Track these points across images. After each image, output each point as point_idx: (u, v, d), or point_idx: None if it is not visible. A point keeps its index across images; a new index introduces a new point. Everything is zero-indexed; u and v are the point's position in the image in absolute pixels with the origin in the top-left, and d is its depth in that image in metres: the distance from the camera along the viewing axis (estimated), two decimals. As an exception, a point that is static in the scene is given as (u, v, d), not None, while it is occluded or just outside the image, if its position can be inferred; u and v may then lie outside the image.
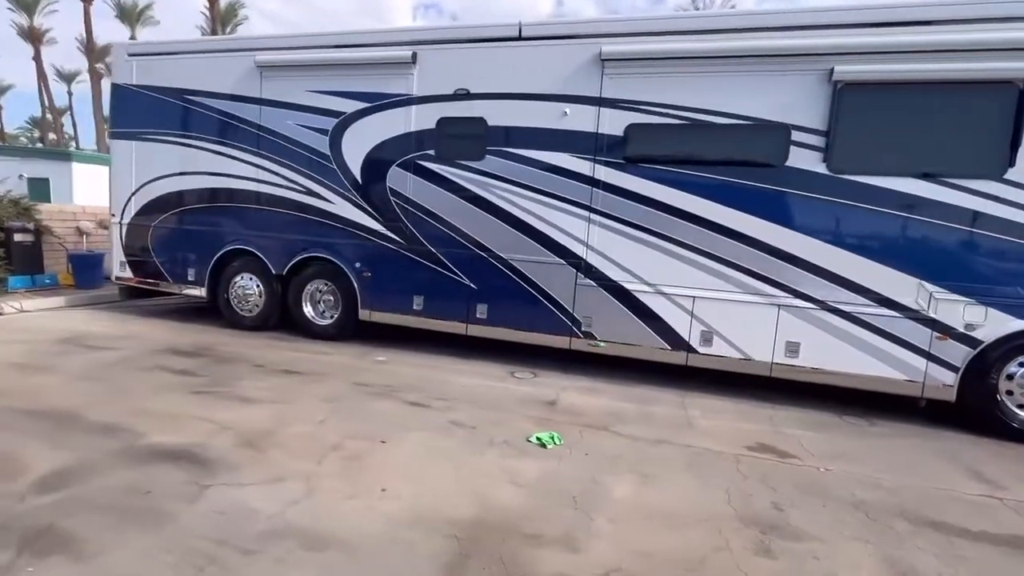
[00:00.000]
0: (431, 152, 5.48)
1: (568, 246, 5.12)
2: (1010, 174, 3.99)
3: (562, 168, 5.08)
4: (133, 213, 6.78)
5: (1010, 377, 4.16)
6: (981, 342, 4.13)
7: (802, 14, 4.41)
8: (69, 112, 46.55)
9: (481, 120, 5.28)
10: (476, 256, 5.41)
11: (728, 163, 4.64)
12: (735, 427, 4.12)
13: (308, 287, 6.16)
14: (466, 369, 5.26)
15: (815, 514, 2.86)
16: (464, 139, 5.38)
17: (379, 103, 5.62)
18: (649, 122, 4.79)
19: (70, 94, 47.70)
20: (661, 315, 4.91)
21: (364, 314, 5.90)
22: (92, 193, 13.26)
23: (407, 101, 5.51)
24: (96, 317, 6.84)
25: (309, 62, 5.80)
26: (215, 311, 6.87)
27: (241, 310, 6.44)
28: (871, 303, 4.38)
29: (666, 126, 4.76)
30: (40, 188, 13.52)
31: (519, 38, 5.12)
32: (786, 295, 4.57)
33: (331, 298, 6.16)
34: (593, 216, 5.03)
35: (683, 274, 4.81)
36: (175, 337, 5.90)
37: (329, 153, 5.84)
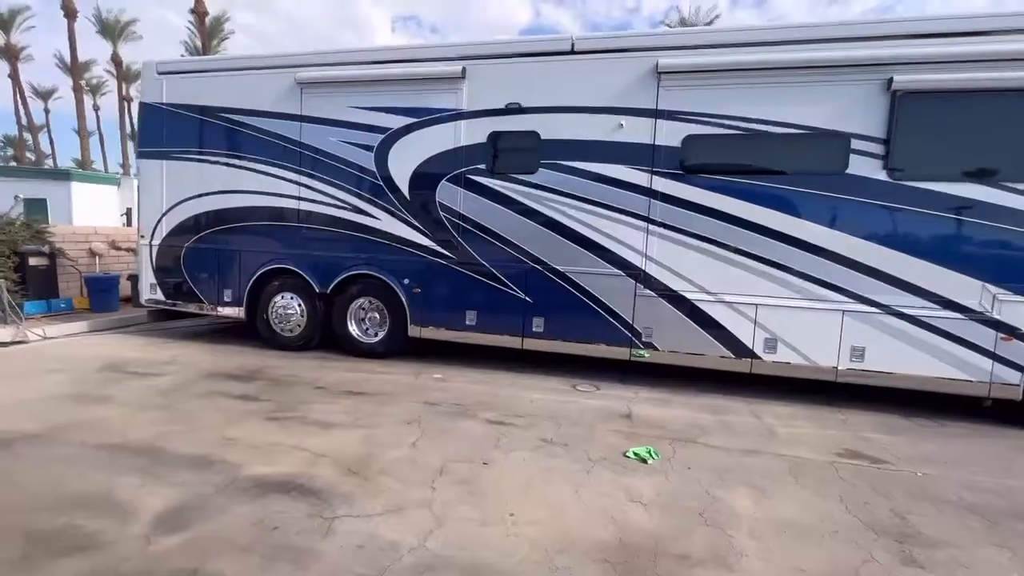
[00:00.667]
0: (482, 166, 5.46)
1: (626, 257, 5.13)
2: (1069, 178, 4.13)
3: (618, 180, 5.10)
4: (164, 234, 6.62)
5: (1075, 375, 4.27)
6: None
7: (860, 26, 4.52)
8: (46, 129, 45.46)
9: (534, 133, 5.28)
10: (531, 269, 5.39)
11: (788, 172, 4.71)
12: (815, 433, 4.14)
13: (353, 305, 6.06)
14: (527, 383, 5.21)
15: (936, 520, 2.88)
16: (517, 152, 5.38)
17: (427, 118, 5.59)
18: (708, 133, 4.85)
19: (47, 111, 46.70)
20: (724, 324, 4.94)
21: (414, 331, 5.82)
22: (92, 213, 12.93)
23: (456, 116, 5.49)
24: (127, 342, 6.62)
25: (353, 78, 5.75)
26: (247, 331, 6.74)
27: (282, 330, 6.31)
28: (935, 306, 4.46)
29: (725, 136, 4.82)
30: (37, 209, 13.12)
31: (571, 52, 5.15)
32: (850, 300, 4.64)
33: (376, 315, 6.07)
34: (651, 227, 5.05)
35: (745, 282, 4.85)
36: (218, 360, 5.74)
37: (375, 169, 5.78)
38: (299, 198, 6.08)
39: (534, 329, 5.44)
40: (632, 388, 5.15)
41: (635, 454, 3.55)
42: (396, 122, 5.69)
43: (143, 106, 6.69)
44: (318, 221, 6.04)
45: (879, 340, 4.60)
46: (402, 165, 5.70)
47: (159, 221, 6.65)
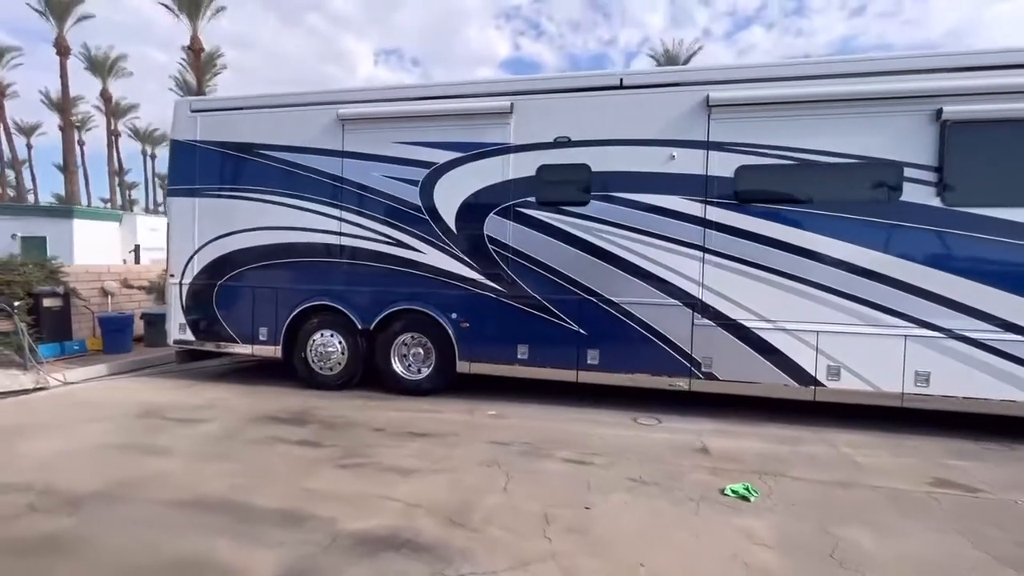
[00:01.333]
0: (531, 198, 5.46)
1: (682, 287, 5.12)
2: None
3: (672, 210, 5.13)
4: (195, 272, 6.44)
5: None
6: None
7: (909, 59, 4.69)
8: (28, 165, 44.79)
9: (585, 166, 5.32)
10: (584, 301, 5.34)
11: (843, 200, 4.79)
12: (895, 462, 4.10)
13: (396, 341, 5.93)
14: (585, 418, 5.10)
15: (1064, 551, 2.83)
16: (567, 185, 5.40)
17: (474, 152, 5.60)
18: (760, 163, 4.93)
19: (29, 147, 46.14)
20: (785, 351, 4.92)
21: (463, 366, 5.69)
22: (94, 251, 12.61)
23: (504, 150, 5.51)
24: (154, 385, 6.36)
25: (398, 114, 5.76)
26: (274, 370, 6.56)
27: (321, 369, 6.12)
28: (997, 328, 4.52)
29: (778, 167, 4.90)
30: (35, 247, 12.77)
31: (620, 87, 5.24)
32: (912, 325, 4.67)
33: (420, 351, 5.93)
34: (707, 256, 5.07)
35: (805, 309, 4.86)
36: (258, 403, 5.52)
37: (420, 203, 5.74)
38: (340, 233, 5.99)
39: (589, 361, 5.36)
40: (693, 420, 5.07)
41: (733, 491, 3.45)
42: (442, 156, 5.69)
43: (175, 144, 6.60)
44: (360, 256, 5.95)
45: (943, 364, 4.62)
46: (448, 199, 5.68)
47: (190, 260, 6.48)
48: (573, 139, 5.34)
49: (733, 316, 5.02)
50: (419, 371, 5.96)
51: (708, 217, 5.05)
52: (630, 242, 5.23)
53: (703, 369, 5.11)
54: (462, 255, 5.66)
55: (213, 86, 32.49)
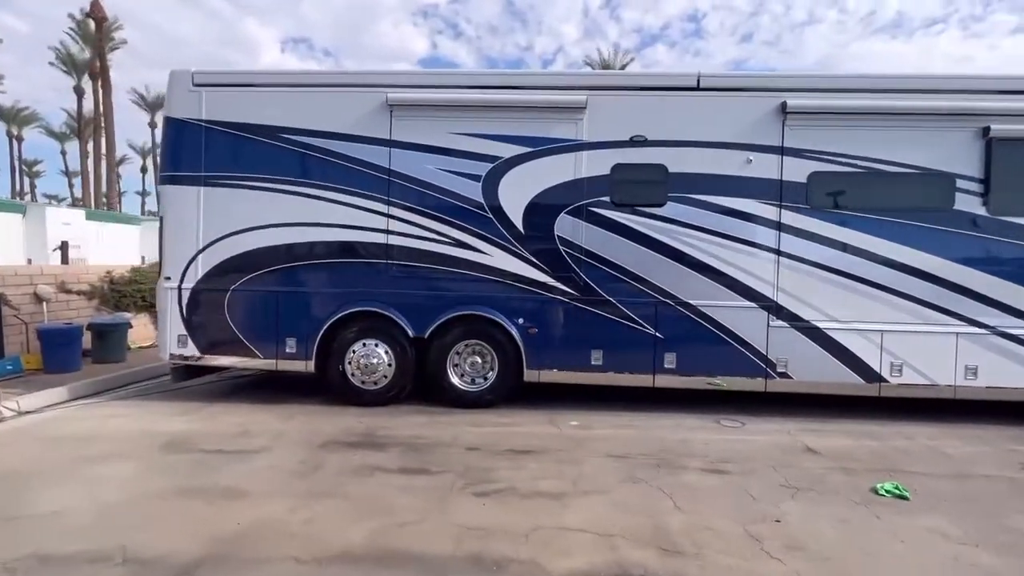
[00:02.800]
0: (605, 198, 5.26)
1: (758, 289, 5.19)
2: None
3: (748, 213, 5.19)
4: (201, 275, 5.47)
5: None
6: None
7: (963, 79, 5.11)
8: None
9: (662, 167, 5.21)
10: (661, 303, 5.24)
11: (903, 208, 5.11)
12: (978, 451, 4.41)
13: (453, 349, 5.43)
14: (671, 423, 4.99)
15: None
16: (643, 185, 5.26)
17: (543, 148, 5.28)
18: (831, 170, 5.12)
19: None
20: (854, 350, 5.15)
21: (531, 375, 5.34)
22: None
23: (576, 146, 5.26)
24: (153, 410, 5.29)
25: (456, 103, 5.28)
26: (290, 385, 5.81)
27: (363, 383, 5.45)
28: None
29: (846, 174, 5.12)
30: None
31: (697, 88, 5.21)
32: (962, 323, 5.08)
33: (478, 360, 5.48)
34: (781, 259, 5.17)
35: (870, 310, 5.12)
36: (310, 426, 4.79)
37: (482, 200, 5.31)
38: (387, 231, 5.38)
39: (666, 366, 5.26)
40: (771, 420, 5.14)
41: (887, 491, 3.50)
42: (507, 151, 5.30)
43: (171, 122, 5.56)
44: (413, 257, 5.38)
45: (989, 358, 5.07)
46: (515, 196, 5.31)
47: (193, 260, 5.49)
48: (650, 139, 5.22)
49: (806, 317, 5.17)
50: (473, 381, 5.51)
51: (783, 221, 5.17)
52: (707, 244, 5.21)
53: (778, 370, 5.20)
54: (531, 256, 5.31)
55: (109, 62, 28.61)
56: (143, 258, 16.01)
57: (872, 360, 5.14)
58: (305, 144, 5.41)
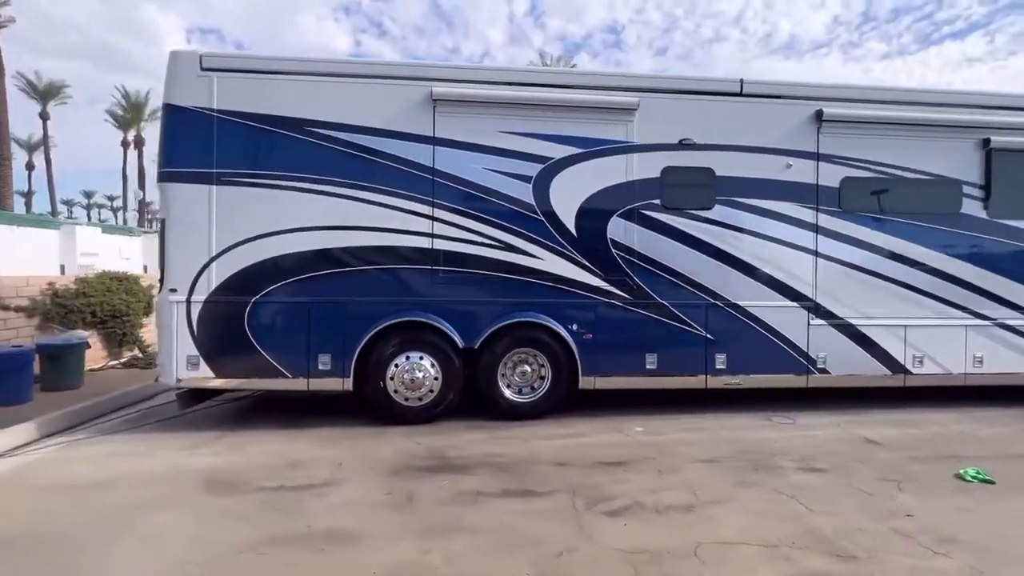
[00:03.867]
0: (656, 201, 5.24)
1: (799, 289, 5.39)
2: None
3: (788, 216, 5.38)
4: (215, 285, 4.80)
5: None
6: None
7: (970, 95, 5.62)
8: None
9: (709, 170, 5.28)
10: (711, 305, 5.30)
11: (922, 211, 5.53)
12: (1001, 432, 4.85)
13: (504, 359, 5.16)
14: (729, 423, 5.06)
15: None
16: (692, 188, 5.29)
17: (593, 149, 5.17)
18: (860, 176, 5.44)
19: None
20: (883, 345, 5.49)
21: (587, 381, 5.19)
22: None
23: (627, 148, 5.19)
24: (161, 444, 4.52)
25: (506, 100, 5.03)
26: (299, 405, 5.27)
27: (406, 399, 5.03)
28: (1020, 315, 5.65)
29: (875, 179, 5.46)
30: None
31: (740, 94, 5.33)
32: (970, 317, 5.59)
33: (527, 369, 5.25)
34: (819, 260, 5.42)
35: (894, 306, 5.49)
36: (368, 451, 4.31)
37: (534, 203, 5.10)
38: (432, 235, 5.01)
39: (718, 366, 5.32)
40: (816, 415, 5.34)
41: (974, 477, 3.72)
42: (558, 151, 5.13)
43: (173, 111, 4.83)
44: (460, 262, 5.04)
45: (991, 347, 5.61)
46: (567, 199, 5.14)
47: (205, 269, 4.80)
48: (697, 142, 5.26)
49: (842, 315, 5.44)
50: (520, 392, 5.27)
51: (819, 223, 5.41)
52: (752, 247, 5.34)
53: (818, 366, 5.43)
54: (584, 260, 5.17)
55: (-4, 42, 24.86)
56: (62, 267, 14.04)
57: (898, 353, 5.51)
58: (338, 139, 4.92)
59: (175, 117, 4.83)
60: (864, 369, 5.49)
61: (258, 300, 4.85)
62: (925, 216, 5.54)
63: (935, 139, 5.51)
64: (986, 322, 5.61)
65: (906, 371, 5.53)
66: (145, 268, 15.60)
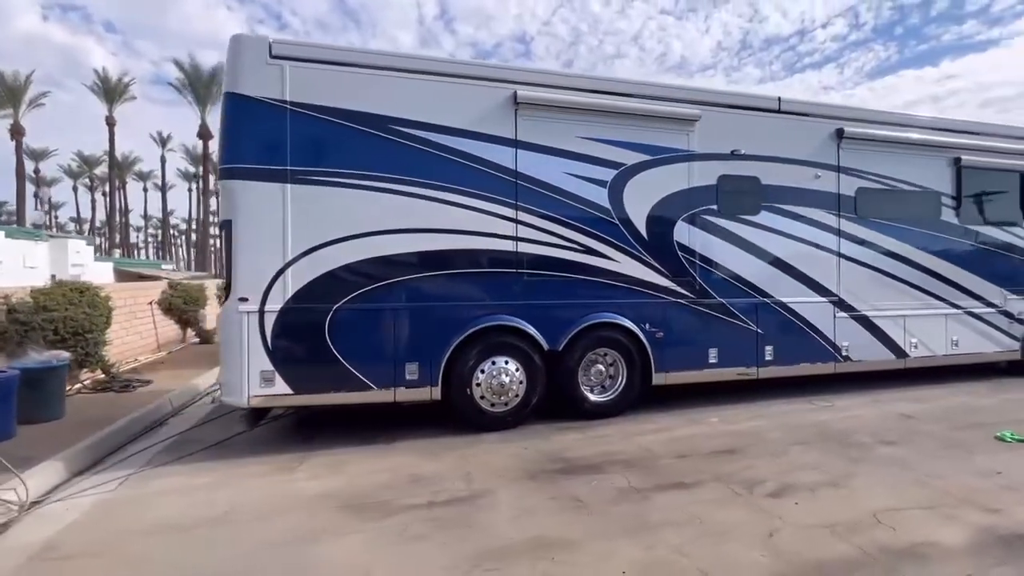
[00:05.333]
0: (713, 207, 5.63)
1: (828, 286, 6.07)
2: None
3: (817, 221, 6.03)
4: (291, 293, 4.41)
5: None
6: (1030, 321, 6.99)
7: (950, 120, 6.66)
8: None
9: (756, 179, 5.78)
10: (760, 303, 5.79)
11: (914, 218, 6.46)
12: (999, 400, 5.82)
13: (584, 360, 5.25)
14: (787, 408, 5.58)
15: None
16: (742, 195, 5.75)
17: (661, 156, 5.44)
18: (871, 187, 6.24)
19: None
20: (890, 334, 6.34)
21: (659, 378, 5.43)
22: None
23: (689, 157, 5.53)
24: (246, 473, 4.04)
25: (585, 106, 5.14)
26: (344, 418, 5.04)
27: (493, 405, 4.94)
28: (984, 305, 6.80)
29: (880, 190, 6.29)
30: None
31: (779, 111, 5.89)
32: (948, 307, 6.62)
33: (602, 368, 5.39)
34: (841, 260, 6.13)
35: (896, 299, 6.36)
36: (472, 461, 4.20)
37: (609, 207, 5.26)
38: (517, 238, 4.98)
39: (767, 358, 5.82)
40: (842, 396, 6.04)
41: (1012, 437, 4.47)
42: (630, 158, 5.33)
43: (238, 100, 4.36)
44: (543, 265, 5.06)
45: (964, 332, 6.69)
46: (638, 203, 5.36)
47: (280, 274, 4.38)
48: (745, 153, 5.73)
49: (860, 308, 6.20)
50: (592, 390, 5.40)
51: (841, 228, 6.13)
52: (790, 249, 5.91)
53: (843, 354, 6.14)
54: (655, 262, 5.41)
55: None
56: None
57: (900, 340, 6.39)
58: (420, 138, 4.73)
59: (241, 108, 4.37)
60: (877, 355, 6.30)
61: (340, 307, 4.52)
62: (916, 221, 6.48)
63: (923, 157, 6.49)
64: (959, 311, 6.68)
65: (906, 355, 6.43)
66: (53, 277, 13.47)
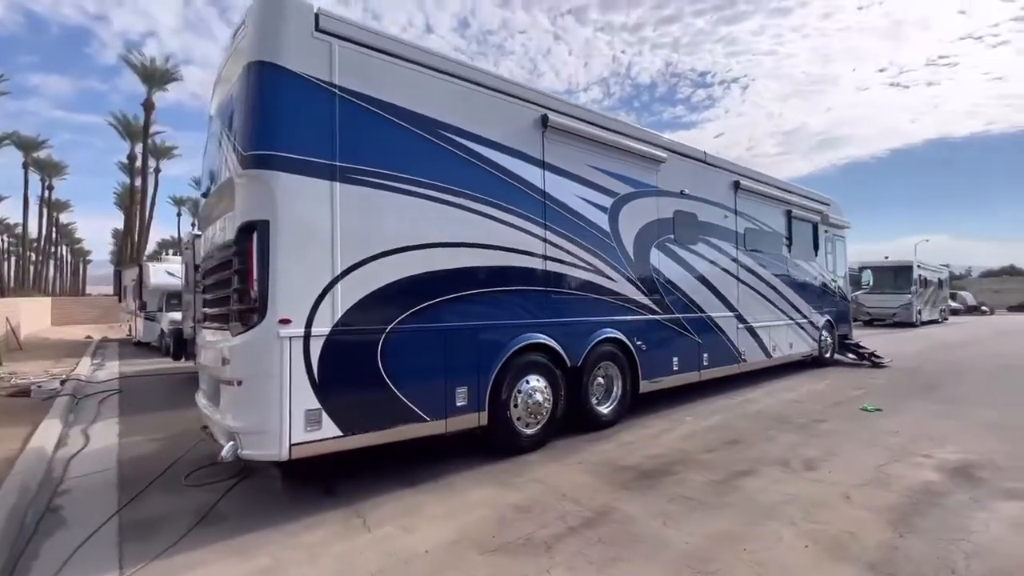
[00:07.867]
0: (671, 236, 6.61)
1: (733, 303, 7.62)
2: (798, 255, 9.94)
3: (726, 252, 7.57)
4: (341, 312, 3.70)
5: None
6: (823, 332, 9.88)
7: (797, 185, 9.01)
8: None
9: (694, 215, 6.99)
10: (699, 317, 6.96)
11: (771, 251, 8.59)
12: (835, 384, 8.07)
13: (592, 374, 5.54)
14: (722, 404, 6.76)
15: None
16: (687, 227, 6.88)
17: (641, 189, 6.19)
18: (753, 227, 8.11)
19: None
20: (764, 340, 8.24)
21: (645, 386, 6.04)
22: None
23: (657, 192, 6.42)
24: (293, 544, 3.16)
25: (595, 137, 5.57)
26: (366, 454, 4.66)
27: (526, 425, 4.85)
28: (803, 318, 9.38)
29: (759, 230, 8.22)
30: None
31: (704, 161, 7.27)
32: (787, 319, 8.95)
33: (601, 381, 5.77)
34: (740, 283, 7.79)
35: (763, 312, 8.34)
36: (542, 485, 4.10)
37: (608, 230, 5.75)
38: (545, 257, 5.05)
39: (705, 364, 6.98)
40: (744, 391, 7.60)
41: (870, 409, 6.35)
42: (622, 188, 5.93)
43: (273, 72, 3.50)
44: (565, 283, 5.22)
45: (794, 338, 9.11)
46: (628, 229, 5.97)
47: (328, 290, 3.61)
48: (689, 193, 6.90)
49: (749, 320, 7.93)
50: (608, 401, 5.77)
51: (738, 257, 7.80)
52: (715, 273, 7.28)
53: (743, 357, 7.75)
54: (639, 282, 6.07)
55: None
56: None
57: (768, 345, 8.37)
58: (468, 149, 4.49)
59: (278, 81, 3.52)
60: (759, 357, 8.12)
61: (392, 329, 3.92)
62: (773, 256, 8.64)
63: (775, 207, 8.72)
64: (792, 322, 9.08)
65: (771, 356, 8.45)
66: None
